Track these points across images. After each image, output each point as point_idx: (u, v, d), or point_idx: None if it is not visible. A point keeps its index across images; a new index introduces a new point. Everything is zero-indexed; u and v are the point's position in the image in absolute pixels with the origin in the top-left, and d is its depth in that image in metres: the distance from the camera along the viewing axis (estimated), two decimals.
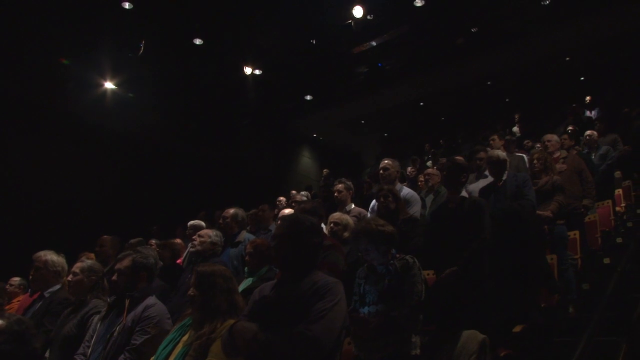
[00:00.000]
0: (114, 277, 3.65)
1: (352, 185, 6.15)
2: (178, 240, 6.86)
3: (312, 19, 12.01)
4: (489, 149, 6.89)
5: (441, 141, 16.33)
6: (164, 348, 3.01)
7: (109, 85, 12.49)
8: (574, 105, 13.05)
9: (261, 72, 14.15)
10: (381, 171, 5.64)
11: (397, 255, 3.42)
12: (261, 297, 2.77)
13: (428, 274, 3.93)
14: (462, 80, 16.13)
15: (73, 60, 11.39)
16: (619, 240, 6.40)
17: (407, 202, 5.21)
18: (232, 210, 5.67)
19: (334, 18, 12.26)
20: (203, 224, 6.72)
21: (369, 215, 5.45)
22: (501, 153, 5.49)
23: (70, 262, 4.68)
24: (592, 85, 15.11)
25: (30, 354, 2.49)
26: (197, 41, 12.44)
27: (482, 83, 16.78)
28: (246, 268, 4.43)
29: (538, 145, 8.48)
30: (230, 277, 3.07)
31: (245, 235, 5.62)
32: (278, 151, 18.20)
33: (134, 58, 11.76)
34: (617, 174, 8.33)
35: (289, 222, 2.85)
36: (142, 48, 11.69)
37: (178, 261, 6.33)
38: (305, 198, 8.69)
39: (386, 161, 5.69)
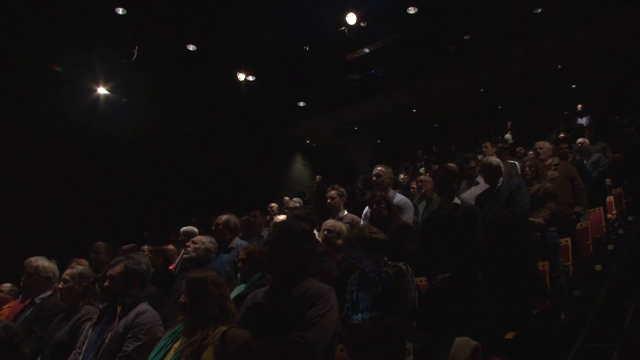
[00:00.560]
0: (106, 283, 3.62)
1: (345, 192, 6.15)
2: (170, 246, 6.84)
3: (306, 25, 12.04)
4: (480, 156, 6.92)
5: (434, 148, 16.37)
6: (155, 355, 3.00)
7: (102, 90, 12.46)
8: (565, 112, 13.14)
9: (254, 78, 14.16)
10: (374, 178, 5.64)
11: (390, 263, 3.42)
12: (253, 303, 2.76)
13: (421, 281, 3.94)
14: (454, 87, 16.21)
15: (66, 66, 11.35)
16: (610, 247, 6.43)
17: (399, 208, 5.21)
18: (224, 217, 5.65)
19: (327, 25, 12.30)
20: (196, 230, 6.70)
21: (362, 222, 5.45)
22: (495, 159, 5.52)
23: (62, 268, 4.64)
24: (583, 93, 15.22)
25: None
26: (191, 47, 12.44)
27: (474, 90, 16.87)
28: (239, 274, 4.41)
29: (530, 152, 8.52)
30: (221, 283, 3.06)
31: (237, 241, 5.61)
32: (271, 157, 18.18)
33: (128, 64, 11.73)
34: (608, 181, 8.38)
35: (281, 229, 2.84)
36: (136, 54, 11.67)
37: (170, 267, 6.30)
38: (297, 204, 8.70)
39: (379, 168, 5.70)
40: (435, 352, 3.10)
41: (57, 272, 4.61)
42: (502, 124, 15.15)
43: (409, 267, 3.36)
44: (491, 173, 5.29)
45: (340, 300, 2.93)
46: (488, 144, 8.36)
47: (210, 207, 8.77)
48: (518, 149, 10.81)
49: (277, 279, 2.77)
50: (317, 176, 15.58)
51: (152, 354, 3.02)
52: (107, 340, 3.35)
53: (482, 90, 17.05)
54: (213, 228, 5.68)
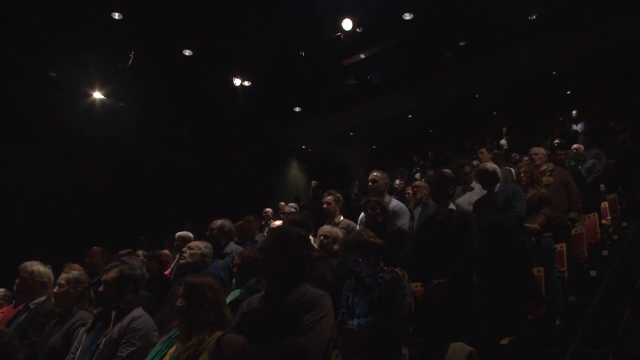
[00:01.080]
0: (100, 289, 3.61)
1: (341, 197, 6.16)
2: (165, 251, 6.82)
3: (302, 31, 12.07)
4: (476, 162, 6.93)
5: (429, 154, 16.40)
6: None
7: (97, 95, 12.44)
8: (560, 118, 13.19)
9: (250, 83, 14.17)
10: (370, 183, 5.65)
11: (386, 268, 3.42)
12: (249, 309, 2.76)
13: (416, 286, 3.94)
14: (450, 93, 16.25)
15: (62, 71, 11.34)
16: (604, 252, 6.46)
17: (395, 214, 5.22)
18: (219, 222, 5.64)
19: (323, 30, 12.33)
20: (191, 235, 6.69)
21: (357, 227, 5.45)
22: (491, 165, 5.53)
23: (57, 272, 4.62)
24: (578, 99, 15.28)
25: None
26: (187, 52, 12.45)
27: (470, 96, 16.91)
28: (234, 280, 4.41)
29: (525, 158, 8.55)
30: (218, 289, 3.06)
31: (232, 246, 5.60)
32: (267, 163, 18.18)
33: (124, 68, 11.73)
34: (603, 187, 8.41)
35: (276, 234, 2.85)
36: (132, 58, 11.67)
37: (165, 272, 6.29)
38: (293, 209, 8.70)
39: (375, 173, 5.70)
40: (431, 358, 3.10)
41: (52, 278, 4.58)
42: (497, 130, 15.20)
43: (405, 273, 3.36)
44: (488, 179, 5.31)
45: (336, 305, 2.93)
46: (484, 149, 8.38)
47: (205, 212, 8.75)
48: (513, 155, 10.84)
49: (272, 285, 2.77)
50: (313, 181, 15.59)
51: (147, 359, 3.01)
52: (101, 346, 3.33)
53: (477, 96, 17.10)
54: (208, 233, 5.66)
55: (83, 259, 6.11)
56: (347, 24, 12.05)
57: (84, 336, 3.56)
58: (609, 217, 7.73)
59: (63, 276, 4.21)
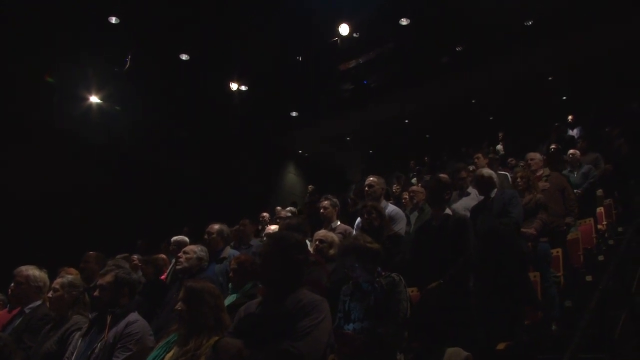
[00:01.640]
0: (96, 293, 3.60)
1: (337, 202, 6.15)
2: (162, 256, 6.80)
3: (299, 35, 12.10)
4: (472, 167, 6.94)
5: (426, 158, 16.42)
6: None
7: (94, 99, 12.43)
8: (556, 124, 13.23)
9: (247, 88, 14.18)
10: (366, 188, 5.65)
11: (383, 273, 3.42)
12: (247, 314, 2.76)
13: (412, 291, 3.94)
14: (446, 98, 16.29)
15: (59, 75, 11.32)
16: (600, 257, 6.47)
17: (391, 219, 5.22)
18: (217, 226, 5.64)
19: (320, 35, 12.36)
20: (187, 239, 6.68)
21: (354, 232, 5.44)
22: (487, 171, 5.54)
23: (53, 277, 4.60)
24: (574, 104, 15.34)
25: None
26: (184, 56, 12.46)
27: (466, 101, 16.96)
28: (230, 284, 4.40)
29: (521, 163, 8.57)
30: (218, 294, 3.07)
31: (229, 251, 5.60)
32: (263, 167, 18.17)
33: (121, 72, 11.73)
34: (600, 192, 8.44)
35: (274, 240, 2.86)
36: (129, 62, 11.67)
37: (162, 277, 6.27)
38: (290, 214, 8.69)
39: (371, 178, 5.71)
40: None
41: (47, 282, 4.56)
42: (493, 135, 15.23)
43: (401, 278, 3.37)
44: (484, 184, 5.32)
45: (333, 310, 2.94)
46: (480, 154, 8.40)
47: (202, 217, 8.74)
48: (509, 160, 10.86)
49: (270, 290, 2.78)
50: (310, 186, 15.58)
51: None
52: (96, 351, 3.32)
53: (473, 101, 17.15)
54: (206, 237, 5.66)
55: (79, 264, 6.09)
56: (344, 29, 12.08)
57: (79, 341, 3.54)
58: (604, 222, 7.75)
59: (58, 281, 4.19)
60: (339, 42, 12.38)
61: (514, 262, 3.78)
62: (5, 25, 9.89)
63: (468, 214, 5.30)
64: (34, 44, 10.35)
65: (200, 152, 14.89)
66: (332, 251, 4.63)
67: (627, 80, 13.70)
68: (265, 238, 5.86)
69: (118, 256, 6.46)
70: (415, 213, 7.03)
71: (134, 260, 7.29)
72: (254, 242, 6.77)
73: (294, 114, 16.56)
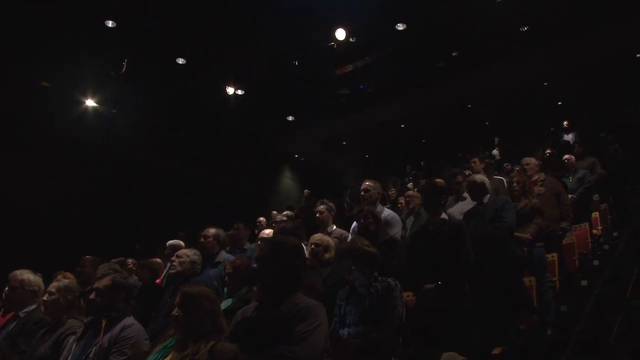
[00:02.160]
0: (92, 296, 3.58)
1: (334, 207, 6.15)
2: (157, 260, 6.79)
3: (295, 40, 12.10)
4: (468, 172, 6.95)
5: (422, 163, 16.45)
6: None
7: (90, 102, 12.41)
8: (552, 129, 13.28)
9: (244, 92, 14.17)
10: (362, 193, 5.65)
11: (379, 278, 3.42)
12: (243, 318, 2.76)
13: (408, 296, 3.94)
14: (442, 103, 16.32)
15: (55, 79, 11.30)
16: (596, 262, 6.49)
17: (387, 223, 5.22)
18: (213, 230, 5.64)
19: (316, 40, 12.37)
20: (182, 243, 6.66)
21: (350, 236, 5.44)
22: (480, 177, 5.56)
23: (49, 281, 4.58)
24: (569, 109, 15.40)
25: None
26: (180, 60, 12.45)
27: (462, 106, 17.00)
28: (225, 289, 4.39)
29: (517, 168, 8.58)
30: (215, 299, 3.06)
31: (224, 255, 5.59)
32: (259, 171, 18.16)
33: (117, 76, 11.72)
34: (596, 197, 8.47)
35: (271, 244, 2.86)
36: (125, 66, 11.66)
37: (157, 281, 6.26)
38: (285, 218, 8.68)
39: (367, 183, 5.71)
40: None
41: (42, 286, 4.54)
42: (489, 140, 15.27)
43: (397, 283, 3.37)
44: (477, 190, 5.33)
45: (329, 314, 2.93)
46: (476, 159, 8.41)
47: (198, 221, 8.72)
48: (505, 164, 10.88)
49: (266, 294, 2.78)
50: (306, 190, 15.59)
51: None
52: (91, 355, 3.31)
53: (469, 106, 17.20)
54: (202, 240, 5.65)
55: (75, 268, 6.07)
56: (340, 34, 12.10)
57: (74, 345, 3.53)
58: (599, 227, 7.78)
59: (53, 284, 4.18)
60: (335, 46, 12.39)
61: (508, 267, 3.78)
62: (0, 30, 9.87)
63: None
64: (30, 48, 10.33)
65: (197, 156, 14.88)
66: (327, 255, 4.63)
67: (622, 86, 13.78)
68: (260, 242, 5.85)
69: (113, 260, 6.44)
70: (412, 218, 7.03)
71: (128, 265, 7.28)
72: (248, 246, 6.76)
73: (290, 118, 16.57)
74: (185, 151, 14.69)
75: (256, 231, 8.89)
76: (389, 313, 3.25)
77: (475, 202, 5.55)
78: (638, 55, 14.20)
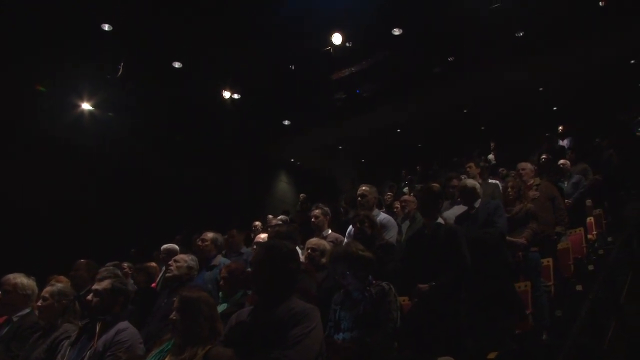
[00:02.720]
0: (89, 297, 3.57)
1: (329, 211, 6.16)
2: (153, 264, 6.78)
3: (292, 44, 12.13)
4: (464, 176, 6.96)
5: (418, 168, 16.47)
6: None
7: (86, 106, 12.39)
8: (547, 134, 13.33)
9: (240, 96, 14.18)
10: (359, 198, 5.66)
11: (374, 282, 3.42)
12: (238, 322, 2.75)
13: (403, 300, 3.94)
14: (438, 107, 16.38)
15: (51, 82, 11.28)
16: (590, 267, 6.49)
17: (383, 227, 5.23)
18: (211, 234, 5.65)
19: (313, 44, 12.40)
20: (177, 247, 6.65)
21: (345, 241, 5.44)
22: (471, 181, 5.56)
23: (43, 285, 4.55)
24: (564, 115, 15.47)
25: None
26: (176, 64, 12.45)
27: (458, 111, 17.05)
28: (220, 293, 4.39)
29: (512, 173, 8.61)
30: (213, 304, 3.04)
31: (220, 259, 5.59)
32: (255, 175, 18.15)
33: (113, 79, 11.71)
34: (588, 202, 8.49)
35: (267, 248, 2.86)
36: (121, 70, 11.65)
37: (152, 285, 6.25)
38: (281, 222, 8.67)
39: (364, 187, 5.72)
40: None
41: (36, 290, 4.52)
42: (485, 145, 15.32)
43: (392, 287, 3.37)
44: (468, 195, 5.34)
45: (324, 319, 2.93)
46: (472, 164, 8.43)
47: (194, 225, 8.72)
48: (500, 169, 10.91)
49: (261, 298, 2.78)
50: (301, 194, 15.57)
51: None
52: (85, 359, 3.30)
53: (465, 111, 17.25)
54: (200, 243, 5.64)
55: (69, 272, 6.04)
56: (337, 39, 12.13)
57: (68, 349, 3.51)
58: (594, 232, 7.80)
59: (47, 289, 4.16)
60: (331, 51, 12.42)
61: (499, 272, 3.79)
62: None
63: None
64: (25, 51, 10.31)
65: (192, 160, 14.86)
66: (324, 259, 4.63)
67: (617, 92, 13.86)
68: (255, 246, 5.85)
69: (108, 264, 6.41)
70: (407, 222, 7.04)
71: (124, 268, 7.25)
72: (245, 250, 6.76)
73: (286, 122, 16.57)
74: (180, 155, 14.67)
75: (252, 235, 8.88)
76: (384, 317, 3.25)
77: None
78: (632, 62, 14.28)
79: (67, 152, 11.88)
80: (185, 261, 4.92)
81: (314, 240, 4.93)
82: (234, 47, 12.03)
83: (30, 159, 11.13)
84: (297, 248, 4.57)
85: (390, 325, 3.22)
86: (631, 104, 12.57)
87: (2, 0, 9.48)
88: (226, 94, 13.92)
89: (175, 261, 4.92)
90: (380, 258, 4.25)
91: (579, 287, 5.80)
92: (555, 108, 16.94)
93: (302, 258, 4.57)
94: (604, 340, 4.26)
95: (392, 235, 5.34)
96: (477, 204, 5.26)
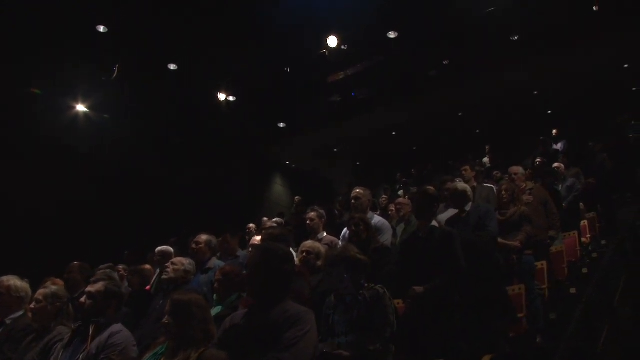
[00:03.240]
0: (83, 299, 3.56)
1: (324, 214, 6.16)
2: (147, 266, 6.75)
3: (287, 47, 12.13)
4: (459, 179, 6.98)
5: (413, 171, 16.49)
6: None
7: (81, 108, 12.35)
8: (541, 138, 13.38)
9: (235, 98, 14.17)
10: (353, 201, 5.66)
11: (366, 285, 3.42)
12: (232, 325, 2.75)
13: (398, 303, 3.95)
14: (433, 111, 16.40)
15: (45, 84, 11.24)
16: (584, 270, 6.52)
17: (378, 230, 5.23)
18: (205, 237, 5.63)
19: (308, 47, 12.41)
20: (171, 250, 6.62)
21: (340, 243, 5.45)
22: (462, 185, 5.57)
23: (37, 287, 4.54)
24: (558, 118, 15.54)
25: None
26: (172, 66, 12.43)
27: (453, 114, 17.09)
28: (215, 296, 4.38)
29: (506, 176, 8.63)
30: (205, 306, 3.04)
31: (214, 261, 5.58)
32: (250, 178, 18.13)
33: (108, 81, 11.69)
34: (582, 205, 8.53)
35: (262, 251, 2.86)
36: (116, 71, 11.63)
37: (147, 287, 6.23)
38: (276, 225, 8.66)
39: (358, 190, 5.72)
40: None
41: (29, 292, 4.50)
42: (480, 148, 15.36)
43: (386, 291, 3.37)
44: (458, 198, 5.34)
45: (319, 321, 2.94)
46: (467, 167, 8.45)
47: (189, 227, 8.71)
48: (495, 172, 10.93)
49: (256, 301, 2.78)
50: (297, 197, 15.57)
51: None
52: None
53: (460, 114, 17.29)
54: (194, 246, 5.64)
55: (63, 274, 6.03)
56: (332, 41, 12.14)
57: (61, 352, 3.50)
58: (588, 236, 7.83)
59: (40, 292, 4.14)
60: (327, 54, 12.43)
61: (492, 275, 3.80)
62: None
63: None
64: (20, 53, 10.28)
65: (187, 162, 14.83)
66: (319, 262, 4.62)
67: (611, 96, 13.93)
68: (251, 249, 5.84)
69: (103, 266, 6.40)
70: (402, 225, 7.05)
71: (119, 270, 7.24)
72: (241, 253, 6.74)
73: (281, 125, 16.57)
74: (176, 157, 14.65)
75: (247, 237, 8.87)
76: (381, 322, 3.25)
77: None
78: (626, 66, 14.36)
79: (63, 155, 11.84)
80: (183, 264, 4.92)
81: (308, 243, 4.93)
82: (229, 49, 12.02)
83: (26, 162, 11.08)
84: (292, 250, 4.59)
85: (387, 330, 3.22)
86: (625, 108, 12.63)
87: None
88: (222, 97, 13.90)
89: (173, 264, 4.92)
90: (376, 261, 4.26)
91: (572, 290, 5.83)
92: (549, 112, 17.01)
93: (296, 261, 4.57)
94: (598, 344, 4.27)
95: (387, 238, 5.35)
96: (468, 208, 5.26)
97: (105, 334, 3.36)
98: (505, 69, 13.94)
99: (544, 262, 5.60)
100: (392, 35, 12.27)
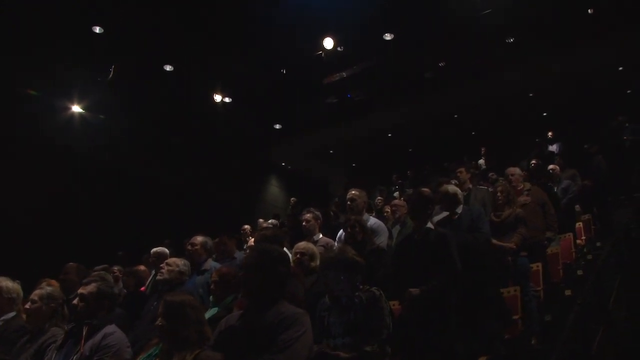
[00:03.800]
0: (75, 301, 3.54)
1: (320, 215, 6.15)
2: (142, 268, 6.74)
3: (283, 49, 12.14)
4: (454, 181, 6.99)
5: (408, 172, 16.50)
6: None
7: (76, 108, 12.32)
8: (537, 140, 13.42)
9: (231, 100, 14.16)
10: (348, 202, 5.65)
11: (362, 287, 3.42)
12: (227, 327, 2.75)
13: (393, 305, 3.94)
14: (429, 112, 16.43)
15: (41, 85, 11.21)
16: (579, 272, 6.54)
17: (373, 231, 5.22)
18: (200, 238, 5.61)
19: (304, 49, 12.41)
20: (167, 251, 6.61)
21: (336, 245, 5.44)
22: (452, 187, 5.54)
23: (32, 289, 4.51)
24: (554, 120, 15.59)
25: None
26: (168, 67, 12.42)
27: (449, 116, 17.12)
28: (211, 297, 4.36)
29: (502, 178, 8.64)
30: (199, 307, 3.02)
31: (210, 263, 5.56)
32: (246, 179, 18.10)
33: (104, 82, 11.66)
34: (577, 207, 8.55)
35: (258, 252, 2.85)
36: (112, 72, 11.61)
37: (142, 288, 6.21)
38: (271, 226, 8.66)
39: (353, 192, 5.71)
40: None
41: (21, 293, 4.48)
42: (475, 150, 15.38)
43: (382, 293, 3.37)
44: (449, 200, 5.32)
45: (312, 323, 2.93)
46: (463, 169, 8.46)
47: (183, 228, 8.69)
48: (490, 174, 10.95)
49: (251, 302, 2.77)
50: (292, 198, 15.55)
51: None
52: None
53: (456, 116, 17.32)
54: (189, 247, 5.62)
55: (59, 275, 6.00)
56: (328, 43, 12.15)
57: (55, 353, 3.48)
58: (583, 237, 7.85)
59: (36, 292, 4.12)
60: (323, 55, 12.44)
61: (487, 276, 3.81)
62: None
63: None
64: (16, 54, 10.25)
65: (183, 164, 14.81)
66: (313, 264, 4.60)
67: (606, 98, 13.97)
68: (247, 251, 5.83)
69: (97, 267, 6.38)
70: (398, 227, 7.04)
71: (114, 272, 7.21)
72: (238, 254, 6.73)
73: (277, 126, 16.56)
74: (171, 158, 14.62)
75: (243, 238, 8.86)
76: (377, 323, 3.25)
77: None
78: (621, 69, 14.42)
79: (58, 155, 11.82)
80: (178, 265, 4.90)
81: (302, 244, 4.90)
82: (225, 50, 12.03)
83: (22, 162, 11.05)
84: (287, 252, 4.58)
85: (384, 332, 3.22)
86: (620, 110, 12.67)
87: None
88: (217, 98, 13.90)
89: (167, 265, 4.90)
90: (372, 263, 4.25)
91: (568, 292, 5.84)
92: (545, 114, 17.06)
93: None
94: (593, 345, 4.28)
95: (382, 240, 5.34)
96: (459, 210, 5.24)
97: (99, 336, 3.34)
98: (501, 71, 13.98)
99: (540, 264, 5.61)
100: (388, 37, 12.29)
